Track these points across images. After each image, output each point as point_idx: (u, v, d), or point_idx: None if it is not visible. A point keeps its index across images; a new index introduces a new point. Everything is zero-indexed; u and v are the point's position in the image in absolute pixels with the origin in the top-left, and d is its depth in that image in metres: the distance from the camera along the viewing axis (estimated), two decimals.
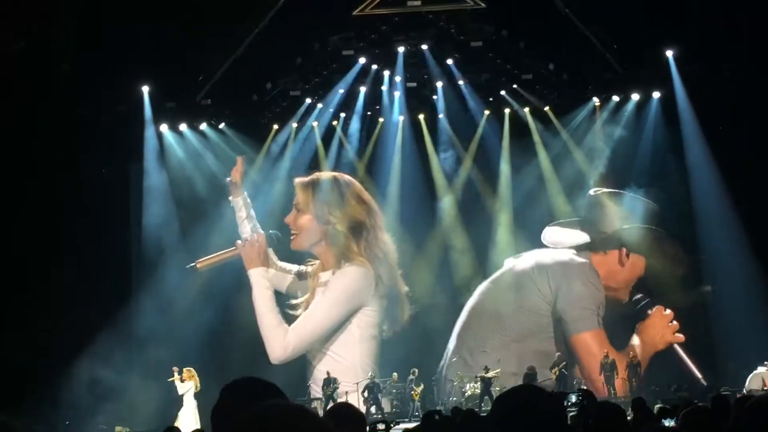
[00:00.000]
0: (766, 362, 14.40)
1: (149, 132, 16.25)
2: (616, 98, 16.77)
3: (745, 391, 13.37)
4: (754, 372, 14.36)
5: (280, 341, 14.85)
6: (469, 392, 15.63)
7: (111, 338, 14.76)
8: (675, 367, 15.95)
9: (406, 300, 15.72)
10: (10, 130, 14.47)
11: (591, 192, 16.42)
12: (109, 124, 15.90)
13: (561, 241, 16.34)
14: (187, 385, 14.61)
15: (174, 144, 16.60)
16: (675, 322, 16.04)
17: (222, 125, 16.74)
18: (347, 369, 14.93)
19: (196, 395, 14.58)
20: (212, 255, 15.15)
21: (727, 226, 15.26)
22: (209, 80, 16.36)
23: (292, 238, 15.66)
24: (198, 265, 15.04)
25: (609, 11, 15.59)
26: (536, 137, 16.87)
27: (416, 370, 15.16)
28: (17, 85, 14.53)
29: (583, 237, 16.29)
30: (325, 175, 15.83)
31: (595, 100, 16.88)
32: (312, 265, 15.69)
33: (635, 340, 16.12)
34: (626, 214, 16.21)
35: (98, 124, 15.79)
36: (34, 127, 14.80)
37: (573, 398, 10.41)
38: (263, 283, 15.01)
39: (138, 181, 16.29)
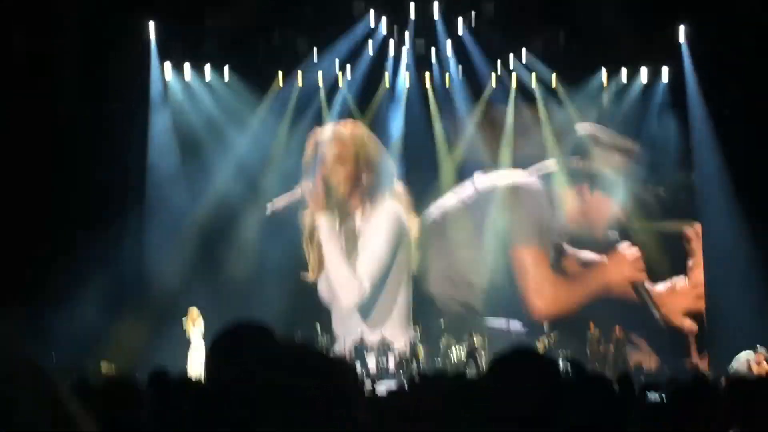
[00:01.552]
0: (756, 347, 14.49)
1: (155, 70, 16.11)
2: (625, 72, 16.69)
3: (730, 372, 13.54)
4: (740, 354, 14.47)
5: (356, 289, 14.77)
6: (454, 356, 15.70)
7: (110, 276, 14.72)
8: (664, 342, 16.04)
9: (417, 248, 15.67)
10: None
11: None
12: (114, 58, 15.73)
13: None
14: (197, 329, 14.53)
15: (176, 84, 16.49)
16: (641, 261, 16.00)
17: (225, 70, 16.59)
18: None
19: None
20: (284, 197, 15.03)
21: (727, 210, 15.26)
22: (217, 25, 16.18)
23: (336, 187, 15.36)
24: (273, 209, 14.99)
25: None
26: (541, 106, 16.80)
27: (418, 328, 15.22)
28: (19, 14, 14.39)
29: (551, 165, 16.29)
30: (349, 125, 15.66)
31: (604, 73, 16.79)
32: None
33: (604, 265, 16.11)
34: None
35: (101, 57, 15.61)
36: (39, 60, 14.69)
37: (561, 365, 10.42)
38: (334, 229, 14.87)
39: (142, 118, 16.21)
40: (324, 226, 14.71)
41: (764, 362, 14.02)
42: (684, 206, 16.24)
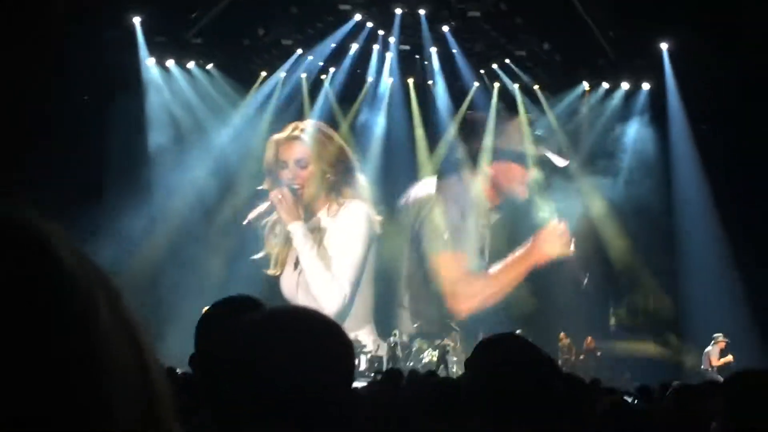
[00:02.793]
0: (714, 337, 14.66)
1: (143, 63, 16.02)
2: (606, 85, 16.82)
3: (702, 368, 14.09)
4: (705, 350, 14.75)
5: (337, 294, 14.86)
6: (426, 359, 15.74)
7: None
8: (630, 357, 16.12)
9: (375, 242, 15.78)
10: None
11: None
12: (96, 50, 15.58)
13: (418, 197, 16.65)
14: None
15: (159, 79, 16.37)
16: (567, 235, 16.16)
17: (210, 66, 16.52)
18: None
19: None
20: (259, 209, 15.08)
21: (705, 221, 15.38)
22: (202, 19, 16.10)
23: (300, 191, 15.44)
24: (252, 220, 15.00)
25: None
26: (522, 115, 16.89)
27: (397, 332, 15.31)
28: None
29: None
30: (309, 124, 15.74)
31: (585, 85, 16.93)
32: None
33: (530, 245, 16.25)
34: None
35: (84, 48, 15.45)
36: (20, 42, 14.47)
37: None
38: (308, 236, 14.90)
39: (119, 110, 16.06)
40: (298, 234, 14.74)
41: (724, 345, 14.35)
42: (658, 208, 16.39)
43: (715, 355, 14.57)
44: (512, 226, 16.41)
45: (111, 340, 0.54)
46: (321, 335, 1.55)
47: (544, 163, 16.53)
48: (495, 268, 16.31)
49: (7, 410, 0.49)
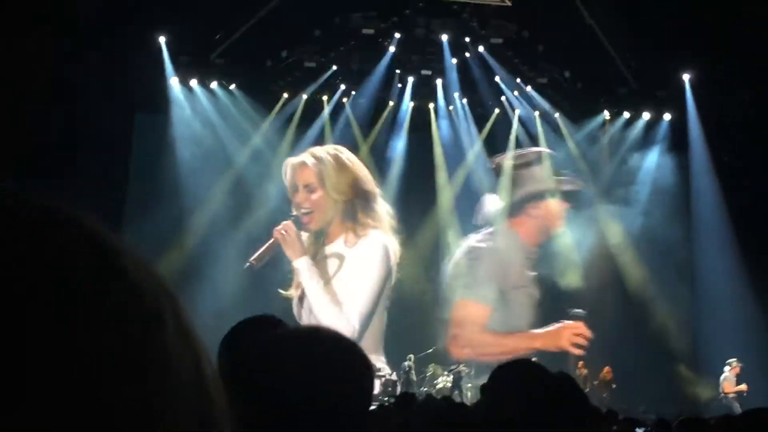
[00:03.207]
0: (729, 362, 14.57)
1: (171, 83, 16.17)
2: (627, 114, 16.82)
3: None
4: (722, 376, 14.66)
5: (344, 329, 14.52)
6: (440, 385, 15.67)
7: None
8: (647, 387, 15.99)
9: (395, 267, 15.48)
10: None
11: (489, 164, 16.52)
12: (119, 70, 15.75)
13: (486, 217, 16.47)
14: None
15: (183, 98, 16.52)
16: (581, 338, 15.97)
17: (233, 86, 16.65)
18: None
19: None
20: (262, 249, 14.60)
21: (724, 253, 15.30)
22: (226, 39, 16.26)
23: (308, 217, 14.95)
24: (254, 262, 14.46)
25: (633, 27, 15.56)
26: (542, 143, 16.89)
27: (412, 356, 15.23)
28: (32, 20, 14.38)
29: (500, 204, 16.33)
30: (325, 149, 15.54)
31: (606, 114, 16.93)
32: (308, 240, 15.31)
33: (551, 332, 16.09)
34: (530, 174, 16.34)
35: (106, 68, 15.63)
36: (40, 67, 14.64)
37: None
38: (314, 272, 14.42)
39: (144, 129, 16.22)
40: (303, 270, 14.18)
41: (738, 370, 14.31)
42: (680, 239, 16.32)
43: (731, 381, 14.50)
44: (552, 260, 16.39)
45: (175, 351, 0.55)
46: (340, 356, 1.55)
47: (565, 193, 16.48)
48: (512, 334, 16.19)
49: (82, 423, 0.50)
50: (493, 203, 16.36)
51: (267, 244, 14.19)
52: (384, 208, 15.35)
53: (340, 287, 14.39)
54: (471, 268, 16.24)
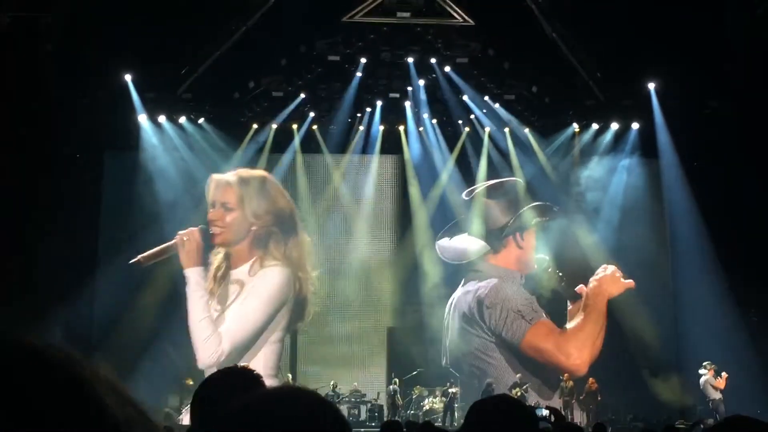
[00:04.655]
0: (704, 365, 14.64)
1: (139, 119, 16.09)
2: (595, 126, 16.93)
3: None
4: (702, 380, 14.75)
5: (213, 348, 14.30)
6: (427, 407, 15.64)
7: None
8: (631, 396, 16.00)
9: (311, 300, 15.47)
10: None
11: (464, 195, 16.63)
12: (87, 109, 15.66)
13: (463, 255, 16.56)
14: None
15: (151, 134, 16.43)
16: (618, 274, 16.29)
17: (201, 120, 16.60)
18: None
19: None
20: (155, 249, 14.46)
21: (700, 259, 15.38)
22: (192, 74, 16.21)
23: (216, 234, 15.07)
24: (141, 259, 14.32)
25: (595, 39, 15.69)
26: (514, 158, 16.96)
27: (397, 380, 15.27)
28: None
29: (480, 245, 16.52)
30: (253, 173, 15.56)
31: (575, 126, 17.04)
32: (217, 257, 15.27)
33: (593, 293, 16.29)
34: (506, 204, 16.55)
35: (75, 108, 15.53)
36: (9, 106, 14.53)
37: (543, 412, 10.38)
38: (201, 284, 14.43)
39: (113, 166, 16.10)
40: (192, 280, 14.29)
41: (714, 372, 14.45)
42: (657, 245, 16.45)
43: (712, 381, 14.59)
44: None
45: None
46: (319, 420, 1.53)
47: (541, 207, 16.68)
48: (571, 323, 16.39)
49: None
50: (468, 242, 16.47)
51: (164, 245, 14.23)
52: (303, 242, 15.25)
53: (233, 312, 14.56)
54: (498, 310, 16.27)
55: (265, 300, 14.67)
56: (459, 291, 16.49)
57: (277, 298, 14.85)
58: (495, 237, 16.59)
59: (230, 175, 15.18)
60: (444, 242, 16.52)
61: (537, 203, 16.66)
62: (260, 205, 14.98)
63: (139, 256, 14.02)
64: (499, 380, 15.58)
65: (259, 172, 15.47)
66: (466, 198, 16.60)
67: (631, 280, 16.24)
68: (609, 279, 16.38)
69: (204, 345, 14.30)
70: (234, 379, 2.23)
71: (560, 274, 16.48)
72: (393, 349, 16.27)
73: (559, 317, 16.52)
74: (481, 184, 16.73)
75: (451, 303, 16.40)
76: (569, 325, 16.37)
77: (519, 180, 16.68)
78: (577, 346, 16.18)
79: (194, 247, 14.32)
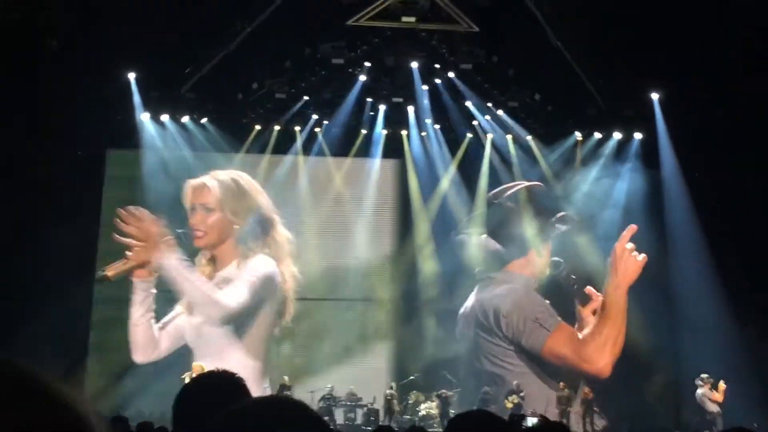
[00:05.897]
0: (702, 377, 14.60)
1: (142, 118, 16.09)
2: (598, 135, 16.92)
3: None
4: (698, 393, 14.68)
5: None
6: (423, 412, 15.62)
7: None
8: (627, 406, 15.97)
9: (290, 297, 15.35)
10: None
11: (490, 197, 16.23)
12: (90, 106, 15.68)
13: (481, 260, 16.28)
14: None
15: (154, 133, 16.46)
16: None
17: (204, 120, 16.62)
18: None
19: None
20: (120, 261, 14.27)
21: (700, 270, 15.36)
22: (196, 74, 16.24)
23: (198, 236, 14.96)
24: (109, 273, 14.11)
25: (600, 48, 15.69)
26: (516, 166, 16.95)
27: (393, 385, 15.24)
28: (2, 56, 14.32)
29: (500, 251, 16.12)
30: (227, 172, 15.50)
31: (578, 135, 17.03)
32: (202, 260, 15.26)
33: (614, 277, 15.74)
34: (533, 211, 16.21)
35: (77, 105, 15.55)
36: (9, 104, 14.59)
37: (533, 421, 10.38)
38: (185, 265, 14.47)
39: (115, 165, 16.13)
40: (170, 266, 14.10)
41: (710, 386, 14.37)
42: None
43: (709, 395, 14.55)
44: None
45: None
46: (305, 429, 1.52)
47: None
48: (587, 328, 16.01)
49: None
50: (487, 245, 16.16)
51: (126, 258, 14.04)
52: (283, 236, 15.27)
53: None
54: (515, 319, 16.04)
55: (248, 282, 14.58)
56: (471, 299, 16.29)
57: (260, 282, 14.74)
58: (516, 244, 16.18)
59: (206, 177, 15.02)
60: (464, 238, 16.11)
61: (563, 213, 16.28)
62: (239, 203, 14.88)
63: (106, 271, 13.74)
64: (519, 387, 15.32)
65: (233, 172, 15.38)
66: (494, 201, 16.17)
67: (643, 254, 14.98)
68: (625, 263, 14.93)
69: (141, 344, 14.25)
70: (213, 389, 2.18)
71: (574, 277, 16.18)
72: (391, 353, 16.25)
73: (569, 320, 16.44)
74: (512, 185, 16.21)
75: (464, 311, 16.26)
76: (586, 331, 16.13)
77: (541, 184, 16.20)
78: (598, 350, 15.83)
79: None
